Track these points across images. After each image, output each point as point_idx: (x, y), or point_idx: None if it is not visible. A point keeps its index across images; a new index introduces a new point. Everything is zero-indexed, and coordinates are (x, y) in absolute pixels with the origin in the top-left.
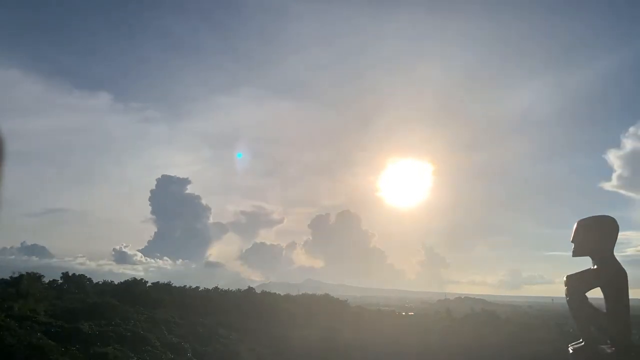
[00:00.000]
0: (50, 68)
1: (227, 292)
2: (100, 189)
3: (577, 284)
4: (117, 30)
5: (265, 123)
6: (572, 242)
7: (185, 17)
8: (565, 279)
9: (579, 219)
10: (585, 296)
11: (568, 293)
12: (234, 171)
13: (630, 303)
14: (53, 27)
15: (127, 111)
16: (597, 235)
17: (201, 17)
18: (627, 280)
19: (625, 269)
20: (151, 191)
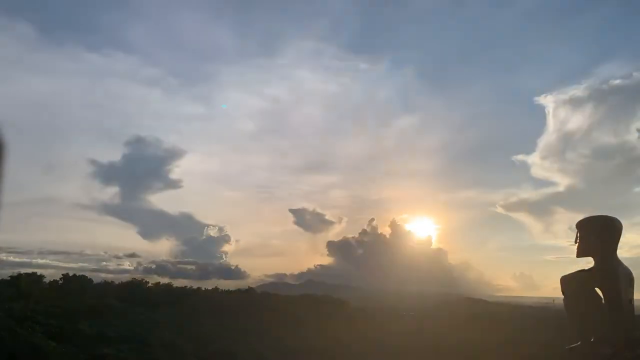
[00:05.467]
0: (42, 15)
1: (227, 292)
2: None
3: (572, 284)
4: None
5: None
6: (575, 242)
7: None
8: (560, 279)
9: (579, 220)
10: (582, 296)
11: (563, 294)
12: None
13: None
14: None
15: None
16: (599, 235)
17: None
18: (626, 280)
19: None
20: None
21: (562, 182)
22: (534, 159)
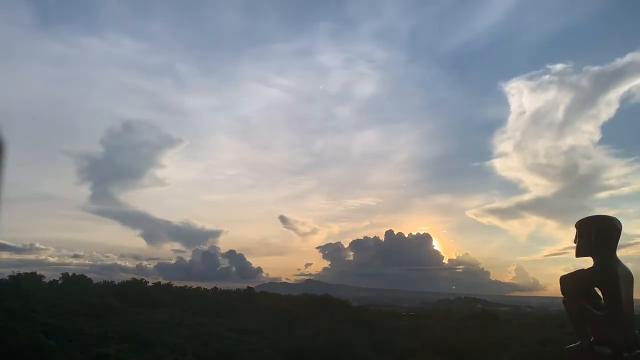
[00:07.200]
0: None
1: (227, 292)
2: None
3: (571, 284)
4: None
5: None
6: (574, 242)
7: None
8: (560, 279)
9: (579, 219)
10: (581, 296)
11: (562, 293)
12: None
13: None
14: None
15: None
16: (598, 235)
17: None
18: (625, 280)
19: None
20: None
21: (530, 187)
22: (499, 163)
